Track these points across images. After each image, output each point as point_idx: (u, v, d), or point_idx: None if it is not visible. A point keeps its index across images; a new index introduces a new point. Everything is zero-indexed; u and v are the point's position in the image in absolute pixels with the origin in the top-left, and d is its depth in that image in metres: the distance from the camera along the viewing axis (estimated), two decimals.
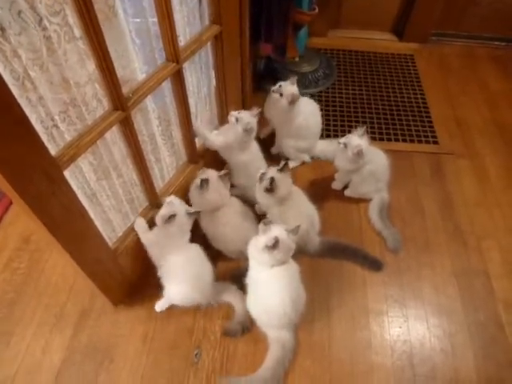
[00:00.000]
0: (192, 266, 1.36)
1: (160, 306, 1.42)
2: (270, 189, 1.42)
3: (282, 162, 1.45)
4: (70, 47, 0.95)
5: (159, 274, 1.38)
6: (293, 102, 1.67)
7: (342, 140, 1.63)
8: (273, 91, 1.70)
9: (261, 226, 1.26)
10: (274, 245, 1.18)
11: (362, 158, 1.59)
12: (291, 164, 1.85)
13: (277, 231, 1.22)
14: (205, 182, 1.43)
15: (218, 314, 1.42)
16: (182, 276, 1.35)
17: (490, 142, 2.05)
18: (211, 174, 1.48)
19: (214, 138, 1.61)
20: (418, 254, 1.60)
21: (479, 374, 1.31)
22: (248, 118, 1.56)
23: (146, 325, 1.40)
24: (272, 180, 1.41)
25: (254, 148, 1.67)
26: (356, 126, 1.66)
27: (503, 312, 1.44)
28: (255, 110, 1.59)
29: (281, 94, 1.68)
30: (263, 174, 1.46)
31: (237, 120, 1.55)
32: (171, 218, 1.30)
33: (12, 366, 1.31)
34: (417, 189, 1.83)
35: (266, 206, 1.52)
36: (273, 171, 1.45)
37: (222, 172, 1.50)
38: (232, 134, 1.57)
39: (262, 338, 1.34)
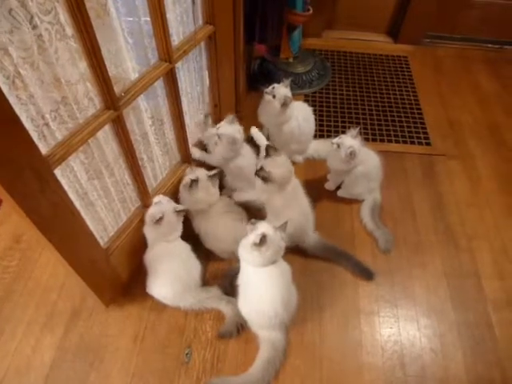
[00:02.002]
0: (176, 265, 1.37)
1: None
2: (263, 178, 1.40)
3: (265, 144, 1.44)
4: (61, 45, 0.95)
5: (145, 257, 1.40)
6: (285, 104, 1.67)
7: (335, 140, 1.63)
8: (266, 92, 1.70)
9: (248, 226, 1.26)
10: (261, 241, 1.18)
11: (354, 158, 1.59)
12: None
13: (263, 228, 1.23)
14: (194, 182, 1.43)
15: (209, 314, 1.42)
16: (164, 271, 1.36)
17: (482, 143, 2.06)
18: (201, 173, 1.48)
19: (209, 158, 1.64)
20: (410, 254, 1.61)
21: (468, 374, 1.32)
22: (228, 129, 1.55)
23: (136, 324, 1.40)
24: (261, 168, 1.39)
25: (247, 151, 1.67)
26: (350, 127, 1.67)
27: (493, 312, 1.46)
28: (230, 117, 1.57)
29: (273, 96, 1.68)
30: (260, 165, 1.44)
31: (219, 137, 1.55)
32: (158, 220, 1.32)
33: (1, 366, 1.30)
34: (409, 189, 1.84)
35: (268, 199, 1.50)
36: (262, 159, 1.44)
37: (212, 172, 1.49)
38: (220, 150, 1.58)
39: (252, 338, 1.34)
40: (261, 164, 1.41)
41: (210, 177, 1.48)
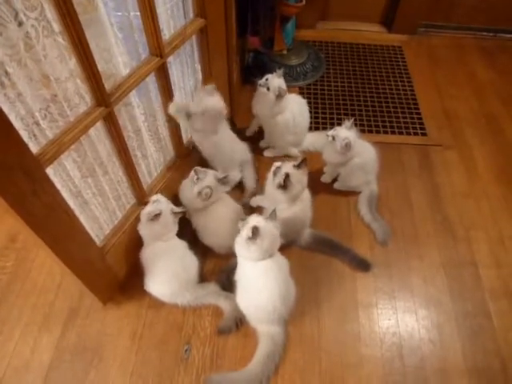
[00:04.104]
0: (172, 262, 1.36)
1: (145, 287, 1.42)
2: (284, 186, 1.37)
3: (300, 158, 1.41)
4: (48, 42, 0.93)
5: (141, 255, 1.39)
6: (280, 96, 1.64)
7: (330, 132, 1.62)
8: (260, 85, 1.67)
9: (239, 223, 1.25)
10: (254, 233, 1.17)
11: (349, 150, 1.58)
12: (268, 153, 1.89)
13: (254, 221, 1.22)
14: (209, 189, 1.41)
15: (207, 310, 1.42)
16: (161, 270, 1.35)
17: (478, 132, 2.06)
18: (210, 180, 1.43)
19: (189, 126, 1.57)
20: (407, 245, 1.61)
21: (467, 363, 1.33)
22: (210, 102, 1.46)
23: (135, 322, 1.39)
24: (286, 176, 1.36)
25: (225, 129, 1.64)
26: (345, 119, 1.66)
27: (490, 301, 1.46)
28: (209, 88, 1.47)
29: (268, 89, 1.65)
30: (278, 168, 1.42)
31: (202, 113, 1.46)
32: (156, 216, 1.30)
33: (0, 367, 1.30)
34: (405, 181, 1.83)
35: (274, 202, 1.47)
36: (288, 167, 1.40)
37: (221, 175, 1.46)
38: (199, 124, 1.52)
39: (251, 333, 1.34)
40: (287, 172, 1.37)
41: (220, 180, 1.45)
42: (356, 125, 1.63)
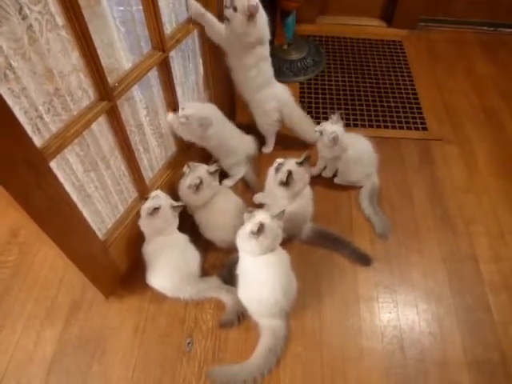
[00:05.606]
0: (174, 256, 1.37)
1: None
2: (286, 183, 1.38)
3: (303, 155, 1.40)
4: (52, 36, 0.93)
5: (143, 251, 1.40)
6: (251, 15, 1.37)
7: (318, 128, 1.63)
8: (225, 7, 1.40)
9: (245, 215, 1.26)
10: (259, 229, 1.18)
11: (337, 143, 1.59)
12: (266, 149, 1.88)
13: (261, 217, 1.22)
14: (200, 184, 1.41)
15: (209, 303, 1.42)
16: (163, 264, 1.36)
17: (478, 127, 2.06)
18: (202, 172, 1.44)
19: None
20: (408, 239, 1.62)
21: (467, 356, 1.34)
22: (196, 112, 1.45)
23: (137, 316, 1.40)
24: (289, 173, 1.36)
25: (229, 128, 1.66)
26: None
27: (490, 295, 1.47)
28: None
29: (235, 9, 1.37)
30: (280, 164, 1.42)
31: (187, 118, 1.44)
32: (155, 210, 1.31)
33: (3, 360, 1.30)
34: (406, 175, 1.84)
35: (274, 198, 1.48)
36: (291, 163, 1.41)
37: (213, 168, 1.47)
38: (189, 131, 1.50)
39: (253, 326, 1.35)
40: (290, 169, 1.38)
41: (212, 173, 1.46)
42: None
